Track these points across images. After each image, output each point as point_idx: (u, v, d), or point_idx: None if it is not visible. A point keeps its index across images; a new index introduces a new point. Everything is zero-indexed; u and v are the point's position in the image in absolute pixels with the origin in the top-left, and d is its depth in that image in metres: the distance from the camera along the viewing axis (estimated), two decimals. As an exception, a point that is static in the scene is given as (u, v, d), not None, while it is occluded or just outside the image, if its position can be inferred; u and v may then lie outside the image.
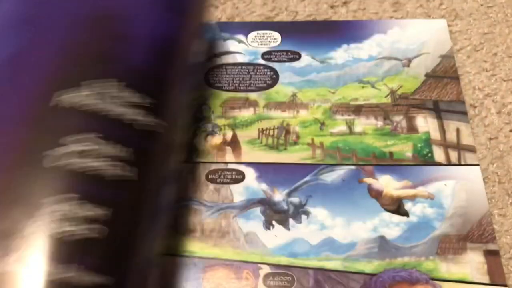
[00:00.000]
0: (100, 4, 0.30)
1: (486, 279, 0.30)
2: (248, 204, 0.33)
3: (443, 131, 0.35)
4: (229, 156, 0.36)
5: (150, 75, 0.29)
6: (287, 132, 0.36)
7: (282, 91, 0.38)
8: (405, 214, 0.32)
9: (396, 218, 0.32)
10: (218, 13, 0.43)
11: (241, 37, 0.41)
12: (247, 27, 0.42)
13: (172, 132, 0.29)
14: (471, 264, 0.30)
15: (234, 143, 0.36)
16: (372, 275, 0.30)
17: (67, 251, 0.22)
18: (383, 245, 0.31)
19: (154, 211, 0.26)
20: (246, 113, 0.37)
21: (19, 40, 0.29)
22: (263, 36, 0.41)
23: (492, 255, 0.30)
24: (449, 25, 0.41)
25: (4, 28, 0.29)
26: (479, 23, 0.41)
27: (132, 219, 0.25)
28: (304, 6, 0.43)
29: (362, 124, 0.36)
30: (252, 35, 0.41)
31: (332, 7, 0.43)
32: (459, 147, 0.35)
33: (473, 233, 0.31)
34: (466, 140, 0.35)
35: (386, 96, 0.37)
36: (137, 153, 0.26)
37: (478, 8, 0.42)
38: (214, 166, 0.35)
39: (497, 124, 0.36)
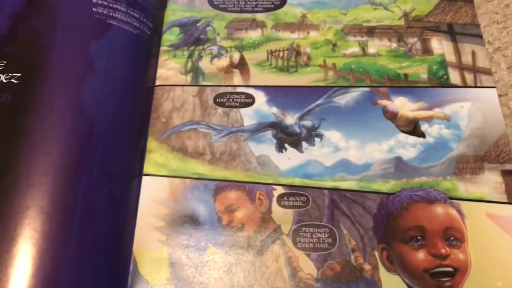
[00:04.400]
0: None
1: (503, 198, 0.29)
2: (259, 128, 0.32)
3: (458, 53, 0.34)
4: (237, 79, 0.34)
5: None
6: (298, 53, 0.34)
7: (290, 12, 0.36)
8: (422, 135, 0.31)
9: (412, 139, 0.31)
10: None
11: (245, -42, 0.39)
12: None
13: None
14: (489, 183, 0.30)
15: (242, 66, 0.34)
16: (389, 194, 0.29)
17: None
18: (399, 166, 0.30)
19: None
20: (253, 35, 0.35)
21: None
22: (269, -43, 0.39)
23: (509, 175, 0.30)
24: None
25: None
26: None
27: None
28: None
29: (376, 45, 0.35)
30: (257, -45, 0.39)
31: None
32: (475, 69, 0.34)
33: (490, 154, 0.31)
34: (482, 62, 0.34)
35: (399, 18, 0.36)
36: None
37: None
38: (222, 90, 0.33)
39: (507, 80, 0.34)
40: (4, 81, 0.30)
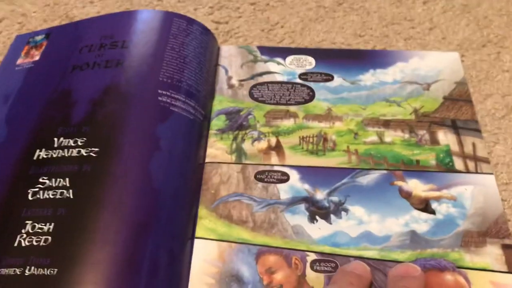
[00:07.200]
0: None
1: (504, 268, 0.34)
2: (294, 201, 0.38)
3: (461, 144, 0.41)
4: (274, 159, 0.40)
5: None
6: (325, 140, 0.41)
7: (318, 105, 0.43)
8: (432, 212, 0.37)
9: (424, 215, 0.37)
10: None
11: (279, 60, 0.46)
12: (285, 52, 0.47)
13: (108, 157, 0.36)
14: (491, 255, 0.35)
15: (278, 148, 0.41)
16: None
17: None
18: (414, 238, 0.36)
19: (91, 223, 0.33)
20: (287, 123, 0.42)
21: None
22: (299, 60, 0.46)
23: (508, 248, 0.35)
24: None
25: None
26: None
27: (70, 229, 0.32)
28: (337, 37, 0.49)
29: (391, 135, 0.41)
30: (290, 58, 0.46)
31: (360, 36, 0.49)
32: (476, 158, 0.40)
33: (491, 230, 0.36)
34: (481, 152, 0.40)
35: (410, 114, 0.43)
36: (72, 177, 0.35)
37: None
38: (261, 168, 0.39)
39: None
40: (85, 154, 0.36)
